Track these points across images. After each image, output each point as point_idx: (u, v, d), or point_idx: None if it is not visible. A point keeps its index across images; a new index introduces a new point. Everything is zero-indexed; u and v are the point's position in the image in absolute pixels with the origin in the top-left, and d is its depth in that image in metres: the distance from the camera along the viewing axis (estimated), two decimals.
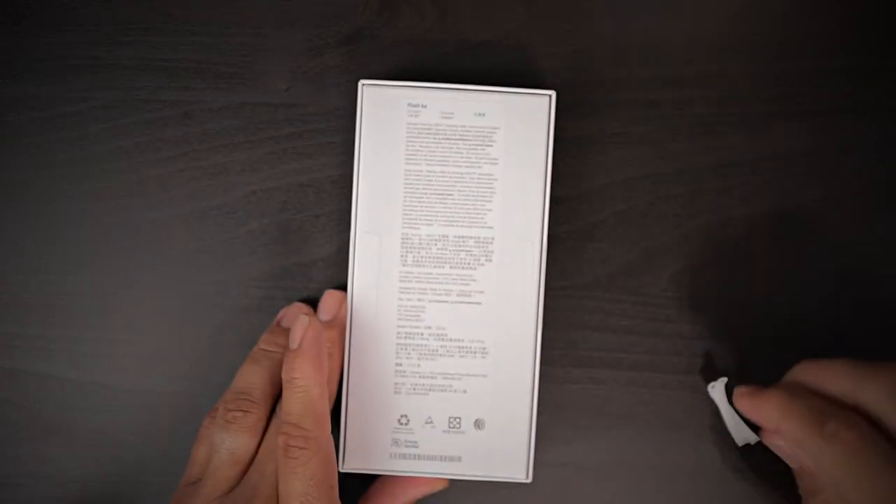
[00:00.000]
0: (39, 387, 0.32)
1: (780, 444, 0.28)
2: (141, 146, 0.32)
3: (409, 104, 0.29)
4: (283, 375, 0.27)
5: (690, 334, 0.32)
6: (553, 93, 0.29)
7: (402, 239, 0.29)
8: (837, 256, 0.32)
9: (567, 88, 0.32)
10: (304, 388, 0.27)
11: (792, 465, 0.28)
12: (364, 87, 0.29)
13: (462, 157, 0.29)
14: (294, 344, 0.28)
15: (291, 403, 0.27)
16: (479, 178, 0.29)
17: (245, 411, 0.28)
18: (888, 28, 0.32)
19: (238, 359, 0.31)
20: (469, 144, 0.29)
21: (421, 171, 0.29)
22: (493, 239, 0.29)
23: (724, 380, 0.31)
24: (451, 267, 0.29)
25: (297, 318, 0.28)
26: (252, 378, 0.29)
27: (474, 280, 0.29)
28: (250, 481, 0.27)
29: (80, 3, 0.32)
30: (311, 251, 0.32)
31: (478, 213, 0.29)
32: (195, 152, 0.32)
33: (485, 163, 0.29)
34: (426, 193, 0.29)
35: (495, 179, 0.29)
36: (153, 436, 0.32)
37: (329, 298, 0.30)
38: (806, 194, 0.32)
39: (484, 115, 0.29)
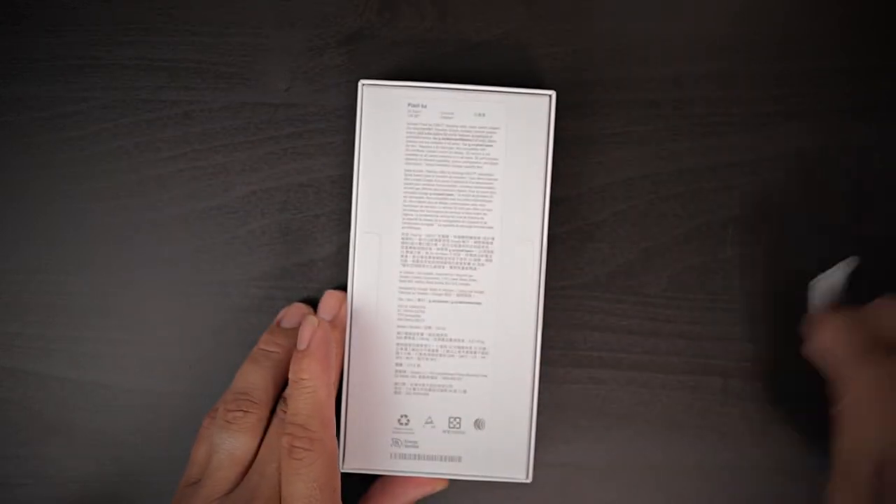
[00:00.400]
0: (39, 387, 0.32)
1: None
2: (141, 146, 0.32)
3: (409, 104, 0.29)
4: (291, 376, 0.27)
5: (690, 334, 0.32)
6: (553, 93, 0.29)
7: (402, 239, 0.29)
8: (838, 256, 0.32)
9: (567, 88, 0.32)
10: (312, 390, 0.27)
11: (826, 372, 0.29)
12: (364, 87, 0.29)
13: (462, 157, 0.29)
14: (302, 344, 0.27)
15: (298, 404, 0.27)
16: (479, 178, 0.29)
17: (245, 412, 0.28)
18: (888, 28, 0.32)
19: (238, 359, 0.31)
20: (469, 144, 0.29)
21: (421, 171, 0.29)
22: (493, 239, 0.29)
23: (850, 263, 0.31)
24: (451, 267, 0.29)
25: (306, 319, 0.28)
26: (252, 378, 0.29)
27: (474, 280, 0.29)
28: (250, 482, 0.27)
29: (80, 3, 0.32)
30: (311, 251, 0.32)
31: (478, 213, 0.29)
32: (195, 152, 0.32)
33: (485, 163, 0.29)
34: (426, 193, 0.29)
35: (495, 179, 0.29)
36: (153, 436, 0.32)
37: (329, 299, 0.30)
38: (806, 194, 0.32)
39: (484, 115, 0.29)
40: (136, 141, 0.32)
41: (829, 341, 0.29)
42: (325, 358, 0.27)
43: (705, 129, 0.32)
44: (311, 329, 0.28)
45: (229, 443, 0.27)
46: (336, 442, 0.27)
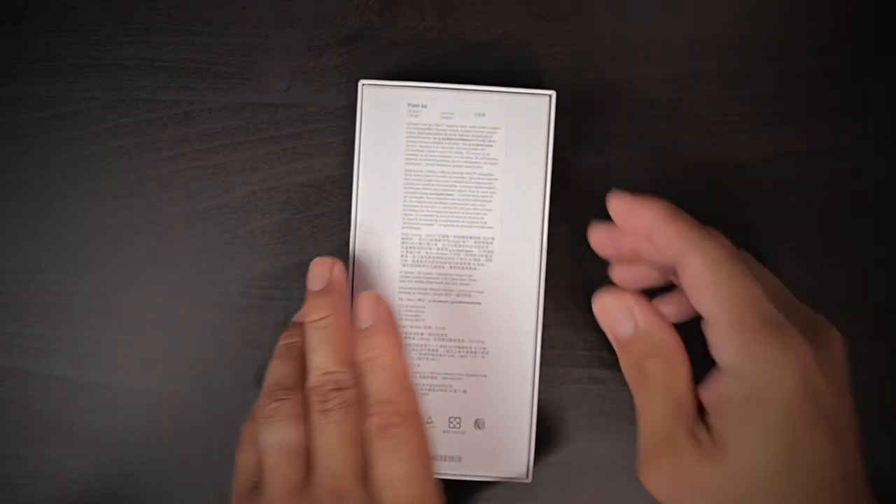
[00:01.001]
0: (39, 387, 0.32)
1: (630, 275, 0.28)
2: (141, 146, 0.32)
3: (409, 104, 0.29)
4: (360, 357, 0.26)
5: (690, 334, 0.32)
6: (553, 93, 0.29)
7: (402, 239, 0.29)
8: (838, 256, 0.32)
9: (567, 88, 0.32)
10: (388, 364, 0.26)
11: (621, 333, 0.28)
12: (364, 87, 0.29)
13: (462, 157, 0.29)
14: (364, 323, 0.27)
15: (378, 381, 0.26)
16: (479, 178, 0.29)
17: (282, 399, 0.26)
18: (888, 28, 0.32)
19: (238, 359, 0.31)
20: (469, 144, 0.29)
21: (421, 171, 0.29)
22: (493, 239, 0.29)
23: None
24: (451, 267, 0.29)
25: (361, 296, 0.27)
26: (279, 371, 0.27)
27: (474, 280, 0.29)
28: (319, 477, 0.25)
29: (80, 3, 0.32)
30: (311, 251, 0.32)
31: (478, 213, 0.29)
32: (195, 152, 0.32)
33: (485, 163, 0.29)
34: (426, 193, 0.29)
35: (495, 179, 0.29)
36: (153, 436, 0.32)
37: (316, 267, 0.28)
38: (806, 194, 0.32)
39: (484, 115, 0.29)
40: (136, 141, 0.32)
41: (662, 214, 0.26)
42: (393, 331, 0.27)
43: (705, 129, 0.32)
44: (369, 304, 0.27)
45: (277, 436, 0.26)
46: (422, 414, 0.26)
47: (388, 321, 0.27)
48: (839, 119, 0.32)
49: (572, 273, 0.32)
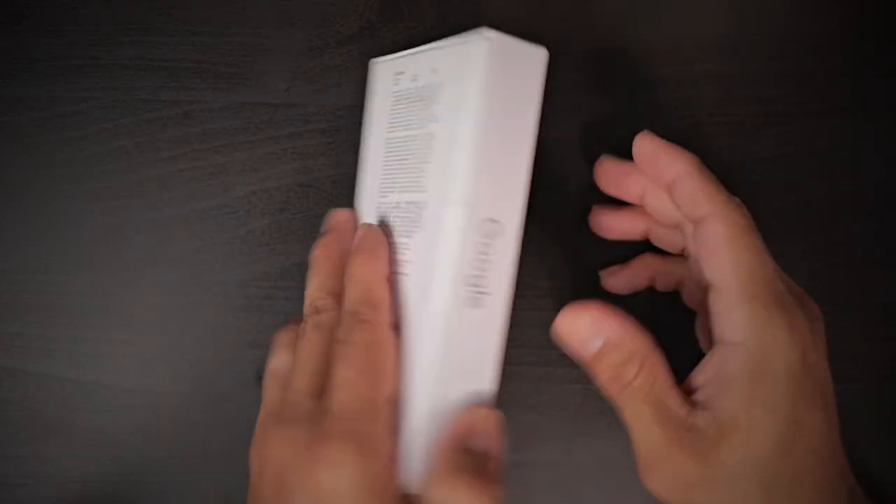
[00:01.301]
0: (39, 387, 0.32)
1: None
2: (141, 146, 0.32)
3: (395, 72, 0.29)
4: (345, 280, 0.27)
5: (690, 333, 0.32)
6: (493, 36, 0.23)
7: (377, 209, 0.29)
8: (838, 256, 0.32)
9: (568, 89, 0.32)
10: (360, 279, 0.26)
11: (592, 348, 0.25)
12: (374, 66, 0.30)
13: (417, 118, 0.27)
14: (353, 249, 0.27)
15: (348, 296, 0.26)
16: (423, 139, 0.26)
17: (283, 331, 0.29)
18: (888, 28, 0.32)
19: (238, 359, 0.31)
20: (423, 105, 0.27)
21: (395, 137, 0.28)
22: (426, 203, 0.25)
23: None
24: (397, 236, 0.27)
25: (358, 228, 0.28)
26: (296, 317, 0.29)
27: (408, 249, 0.26)
28: (286, 401, 0.26)
29: (80, 3, 0.32)
30: (310, 251, 0.32)
31: (417, 176, 0.26)
32: (195, 152, 0.32)
33: (430, 122, 0.26)
34: (390, 160, 0.28)
35: (433, 138, 0.25)
36: (153, 436, 0.32)
37: (325, 219, 0.30)
38: (806, 194, 0.32)
39: (436, 70, 0.26)
40: (136, 141, 0.32)
41: (693, 168, 0.26)
42: (371, 250, 0.27)
43: (706, 130, 0.32)
44: (360, 232, 0.28)
45: (271, 363, 0.28)
46: (391, 331, 0.26)
47: (371, 244, 0.27)
48: (839, 119, 0.32)
49: (571, 273, 0.32)
